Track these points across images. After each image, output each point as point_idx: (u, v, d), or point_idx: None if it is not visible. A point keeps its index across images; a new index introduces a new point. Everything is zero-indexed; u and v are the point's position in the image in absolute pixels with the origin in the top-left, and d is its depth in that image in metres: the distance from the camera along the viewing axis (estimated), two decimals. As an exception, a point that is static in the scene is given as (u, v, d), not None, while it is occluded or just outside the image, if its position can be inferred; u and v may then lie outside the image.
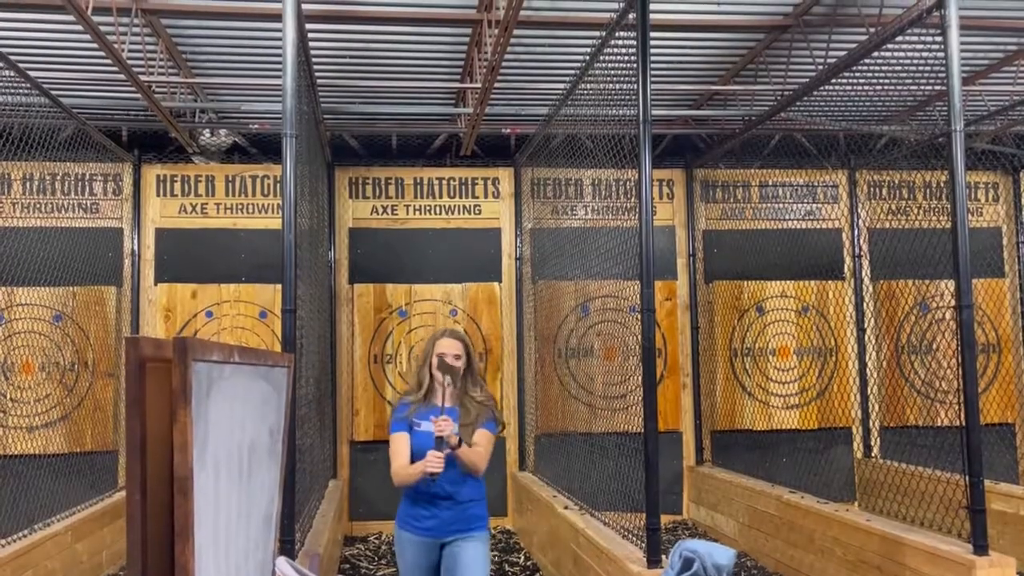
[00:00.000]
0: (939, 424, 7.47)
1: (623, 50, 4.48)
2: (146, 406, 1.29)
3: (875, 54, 5.13)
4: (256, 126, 7.11)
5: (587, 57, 5.21)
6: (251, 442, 1.88)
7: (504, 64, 5.93)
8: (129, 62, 5.21)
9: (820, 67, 5.81)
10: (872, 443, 7.84)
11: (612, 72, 4.72)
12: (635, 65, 4.22)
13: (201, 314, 7.28)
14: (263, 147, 7.57)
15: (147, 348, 1.30)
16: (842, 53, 5.61)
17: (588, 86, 5.29)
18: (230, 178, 7.52)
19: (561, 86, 6.19)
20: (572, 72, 5.79)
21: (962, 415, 4.27)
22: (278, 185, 7.52)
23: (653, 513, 4.12)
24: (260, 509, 1.97)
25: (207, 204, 7.48)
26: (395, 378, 7.56)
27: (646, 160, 4.13)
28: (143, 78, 5.59)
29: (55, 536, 5.14)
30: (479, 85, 5.74)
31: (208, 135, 7.20)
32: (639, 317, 4.21)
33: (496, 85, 6.15)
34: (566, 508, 5.64)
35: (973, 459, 4.23)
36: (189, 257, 7.36)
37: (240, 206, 7.50)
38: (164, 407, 1.36)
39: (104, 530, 5.93)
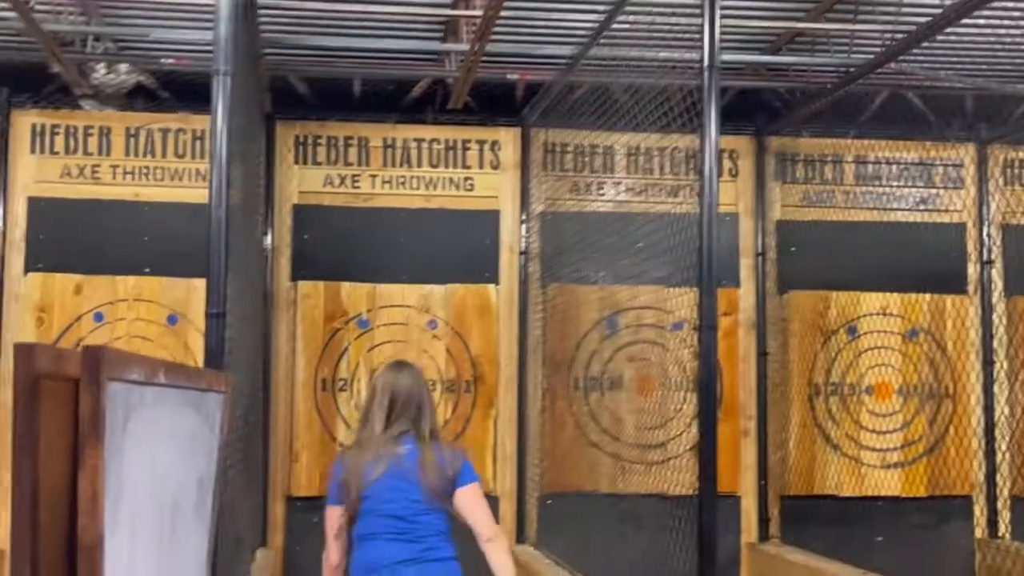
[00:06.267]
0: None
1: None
2: (40, 443, 1.24)
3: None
4: (171, 61, 7.07)
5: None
6: (175, 495, 1.85)
7: (515, -15, 5.93)
8: (0, -33, 5.18)
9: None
10: (1000, 519, 7.82)
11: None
12: (700, -10, 4.22)
13: (88, 316, 7.21)
14: (179, 91, 7.52)
15: (44, 360, 1.25)
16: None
17: (631, 18, 5.29)
18: (132, 131, 7.47)
19: (593, 18, 6.17)
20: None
21: None
22: (198, 143, 7.47)
23: (708, 608, 4.10)
24: (183, 590, 1.95)
25: (100, 166, 7.42)
26: (349, 411, 7.51)
27: (712, 120, 4.12)
28: (18, -10, 5.56)
29: None
30: (479, 13, 5.71)
31: (103, 71, 7.15)
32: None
33: (502, 14, 6.12)
34: (583, 597, 5.62)
35: None
36: (74, 238, 7.30)
37: (145, 170, 7.45)
38: (61, 444, 1.32)
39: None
